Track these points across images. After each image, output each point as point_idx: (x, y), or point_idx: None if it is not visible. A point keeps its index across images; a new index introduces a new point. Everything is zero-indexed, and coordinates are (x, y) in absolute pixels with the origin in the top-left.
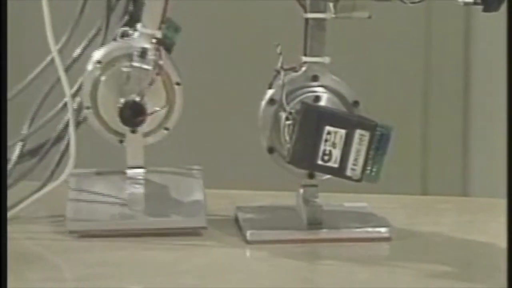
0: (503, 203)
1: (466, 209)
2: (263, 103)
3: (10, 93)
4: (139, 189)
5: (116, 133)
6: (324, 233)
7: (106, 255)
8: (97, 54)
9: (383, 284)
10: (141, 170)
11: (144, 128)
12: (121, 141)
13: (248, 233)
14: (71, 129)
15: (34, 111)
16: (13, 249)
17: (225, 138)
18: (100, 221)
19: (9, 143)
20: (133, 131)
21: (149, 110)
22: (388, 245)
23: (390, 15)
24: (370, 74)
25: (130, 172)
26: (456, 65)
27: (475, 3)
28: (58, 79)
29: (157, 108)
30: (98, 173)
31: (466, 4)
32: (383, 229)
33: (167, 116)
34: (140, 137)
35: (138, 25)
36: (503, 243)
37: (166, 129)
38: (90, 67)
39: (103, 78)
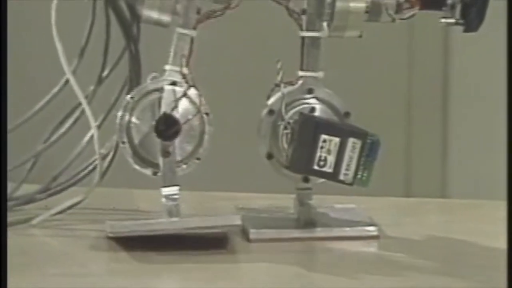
0: (479, 203)
1: (446, 210)
2: (263, 113)
3: (22, 118)
4: (174, 202)
5: (151, 164)
6: (318, 232)
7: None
8: (126, 98)
9: (372, 279)
10: (175, 188)
11: (182, 152)
12: (155, 173)
13: (251, 232)
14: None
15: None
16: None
17: (226, 144)
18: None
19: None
20: (167, 154)
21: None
22: (376, 242)
23: (376, 33)
24: (358, 87)
25: (164, 189)
26: (435, 78)
27: (456, 24)
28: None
29: (190, 117)
30: None
31: (448, 24)
32: (371, 228)
33: (197, 146)
34: (173, 160)
35: (166, 66)
36: (481, 241)
37: (198, 159)
38: (124, 103)
39: (136, 111)
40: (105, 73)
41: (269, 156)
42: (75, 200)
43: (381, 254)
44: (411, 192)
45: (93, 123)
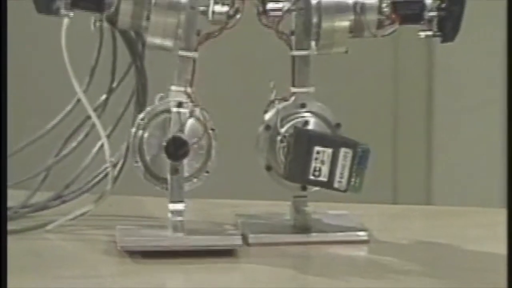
0: (462, 210)
1: (431, 216)
2: (260, 129)
3: (34, 135)
4: (180, 218)
5: (162, 180)
6: (313, 237)
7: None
8: (144, 112)
9: (362, 281)
10: (181, 204)
11: (187, 172)
12: (165, 188)
13: (250, 237)
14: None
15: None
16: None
17: (227, 155)
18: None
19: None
20: (176, 171)
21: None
22: (366, 246)
23: (362, 47)
24: (347, 100)
25: (171, 205)
26: (420, 90)
27: (434, 35)
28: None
29: (195, 140)
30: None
31: (427, 36)
32: (362, 233)
33: (206, 161)
34: (181, 177)
35: (172, 87)
36: (464, 245)
37: (207, 172)
38: (135, 124)
39: (147, 132)
40: (114, 85)
41: (268, 168)
42: (88, 207)
43: (371, 257)
44: (398, 199)
45: (103, 134)
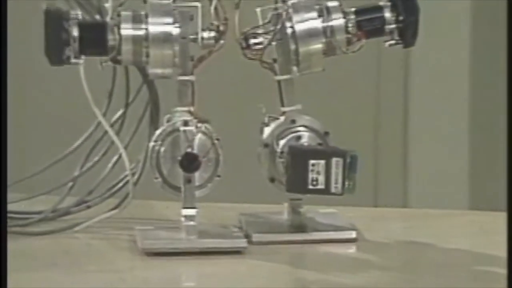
0: (436, 212)
1: (408, 218)
2: (259, 148)
3: (62, 153)
4: (192, 222)
5: (178, 189)
6: (308, 235)
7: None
8: (156, 134)
9: (355, 276)
10: (194, 210)
11: (200, 179)
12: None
13: (254, 236)
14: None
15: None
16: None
17: (232, 163)
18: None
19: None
20: (189, 181)
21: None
22: (354, 245)
23: (346, 65)
24: (331, 113)
25: (184, 211)
26: (397, 102)
27: (396, 43)
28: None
29: (203, 158)
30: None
31: (390, 45)
32: (352, 232)
33: (216, 165)
34: (193, 186)
35: (177, 108)
36: (440, 244)
37: (218, 176)
38: (150, 147)
39: (161, 152)
40: (129, 100)
41: (272, 180)
42: (113, 212)
43: (358, 254)
44: (378, 202)
45: (121, 147)
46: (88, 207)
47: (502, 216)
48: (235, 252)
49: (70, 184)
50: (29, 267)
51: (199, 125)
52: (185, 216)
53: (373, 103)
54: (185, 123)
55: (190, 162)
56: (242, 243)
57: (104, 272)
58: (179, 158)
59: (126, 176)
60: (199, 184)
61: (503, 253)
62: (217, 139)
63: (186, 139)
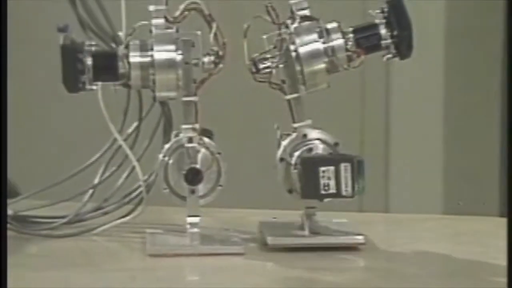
0: (414, 217)
1: (390, 222)
2: (276, 162)
3: (83, 164)
4: (196, 229)
5: (183, 198)
6: (321, 239)
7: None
8: (164, 149)
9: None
10: (197, 218)
11: (204, 188)
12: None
13: (269, 239)
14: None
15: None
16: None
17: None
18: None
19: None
20: (193, 192)
21: (203, 171)
22: (362, 247)
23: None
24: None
25: (189, 218)
26: (380, 114)
27: (394, 57)
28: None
29: (207, 167)
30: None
31: (388, 59)
32: (360, 237)
33: (218, 176)
34: (197, 196)
35: (183, 126)
36: (419, 246)
37: (220, 185)
38: (159, 161)
39: (169, 165)
40: (142, 117)
41: (290, 191)
42: (127, 217)
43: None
44: (363, 207)
45: (134, 160)
46: (105, 213)
47: (475, 220)
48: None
49: (90, 191)
50: (52, 266)
51: (202, 141)
52: (190, 224)
53: (357, 119)
54: (189, 140)
55: (193, 176)
56: (239, 249)
57: (117, 271)
58: (184, 172)
59: (139, 186)
60: (203, 193)
61: (471, 253)
62: (219, 153)
63: (190, 155)
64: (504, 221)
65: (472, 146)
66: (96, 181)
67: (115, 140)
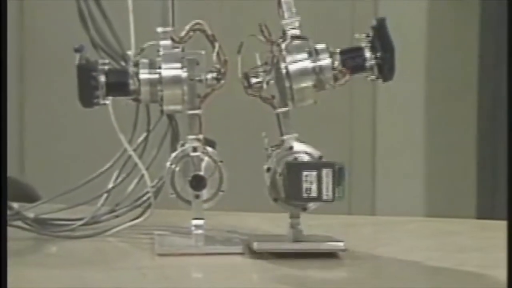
0: (397, 219)
1: (376, 224)
2: (265, 175)
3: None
4: (200, 231)
5: (188, 202)
6: (304, 245)
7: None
8: (171, 157)
9: (331, 273)
10: (201, 220)
11: (207, 193)
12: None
13: (255, 244)
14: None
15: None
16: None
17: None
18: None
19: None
20: (197, 197)
21: (207, 178)
22: (343, 253)
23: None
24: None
25: (194, 221)
26: (367, 126)
27: (377, 78)
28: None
29: (210, 174)
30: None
31: (372, 80)
32: (340, 243)
33: (220, 182)
34: (201, 201)
35: (188, 136)
36: (401, 246)
37: (222, 191)
38: (166, 169)
39: (176, 173)
40: (150, 127)
41: (275, 200)
42: (137, 220)
43: (346, 259)
44: (351, 210)
45: (143, 168)
46: (117, 216)
47: (453, 222)
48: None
49: (105, 196)
50: (69, 264)
51: (205, 150)
52: (195, 226)
53: (347, 131)
54: (194, 150)
55: (198, 182)
56: (238, 249)
57: (129, 269)
58: (189, 179)
59: (148, 191)
60: (207, 198)
61: (449, 253)
62: (221, 161)
63: (195, 163)
64: (480, 222)
65: (450, 153)
66: (109, 186)
67: (125, 149)
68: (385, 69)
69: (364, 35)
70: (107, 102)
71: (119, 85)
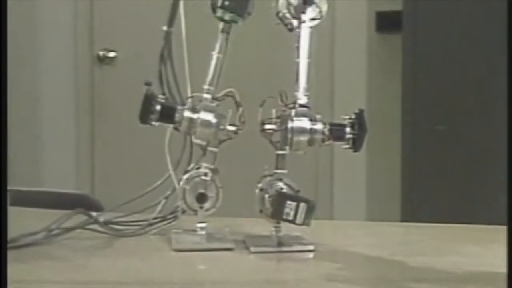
0: (358, 223)
1: (339, 228)
2: (257, 191)
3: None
4: (203, 231)
5: (195, 211)
6: (286, 248)
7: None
8: (184, 178)
9: (318, 271)
10: (204, 224)
11: (208, 205)
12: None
13: (252, 248)
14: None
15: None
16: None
17: (233, 193)
18: (185, 243)
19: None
20: (202, 208)
21: (209, 195)
22: (312, 254)
23: None
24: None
25: (198, 224)
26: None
27: (350, 148)
28: None
29: (212, 194)
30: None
31: (346, 148)
32: (311, 246)
33: (216, 200)
34: (204, 210)
35: (203, 163)
36: (364, 249)
37: (216, 207)
38: (182, 184)
39: (187, 190)
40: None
41: (261, 211)
42: (173, 222)
43: (317, 260)
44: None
45: (176, 183)
46: (161, 221)
47: (396, 226)
48: (230, 250)
49: (160, 207)
50: (119, 255)
51: (213, 177)
52: (199, 228)
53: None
54: (205, 174)
55: (202, 198)
56: (230, 245)
57: (157, 259)
58: (196, 195)
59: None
60: (207, 208)
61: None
62: (221, 187)
63: (203, 184)
64: (406, 225)
65: (385, 167)
66: (161, 198)
67: (169, 175)
68: (357, 143)
69: (347, 116)
70: (156, 124)
71: (167, 115)
